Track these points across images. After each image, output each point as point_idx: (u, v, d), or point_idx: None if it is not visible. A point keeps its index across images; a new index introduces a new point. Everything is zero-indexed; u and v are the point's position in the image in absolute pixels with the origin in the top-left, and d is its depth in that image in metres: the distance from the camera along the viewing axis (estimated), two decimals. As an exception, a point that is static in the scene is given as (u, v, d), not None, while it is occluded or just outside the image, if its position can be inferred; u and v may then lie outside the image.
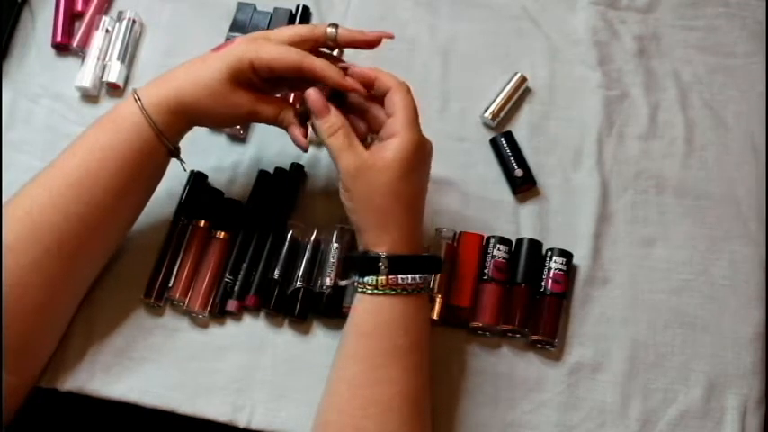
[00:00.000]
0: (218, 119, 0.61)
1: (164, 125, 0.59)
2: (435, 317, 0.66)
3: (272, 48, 0.58)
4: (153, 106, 0.59)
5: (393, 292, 0.57)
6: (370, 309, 0.58)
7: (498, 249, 0.67)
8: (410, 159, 0.57)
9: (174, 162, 0.64)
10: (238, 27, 0.76)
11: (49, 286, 0.58)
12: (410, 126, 0.57)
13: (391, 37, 0.61)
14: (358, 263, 0.58)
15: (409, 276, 0.57)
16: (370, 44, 0.61)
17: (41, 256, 0.57)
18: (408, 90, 0.59)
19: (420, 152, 0.58)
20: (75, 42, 0.76)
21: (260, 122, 0.62)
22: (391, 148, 0.57)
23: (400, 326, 0.57)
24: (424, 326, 0.59)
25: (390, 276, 0.57)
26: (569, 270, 0.68)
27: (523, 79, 0.76)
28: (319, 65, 0.58)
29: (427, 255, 0.60)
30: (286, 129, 0.62)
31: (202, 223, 0.68)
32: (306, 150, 0.61)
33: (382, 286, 0.57)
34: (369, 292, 0.57)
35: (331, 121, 0.58)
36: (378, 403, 0.56)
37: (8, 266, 0.56)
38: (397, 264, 0.57)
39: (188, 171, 0.69)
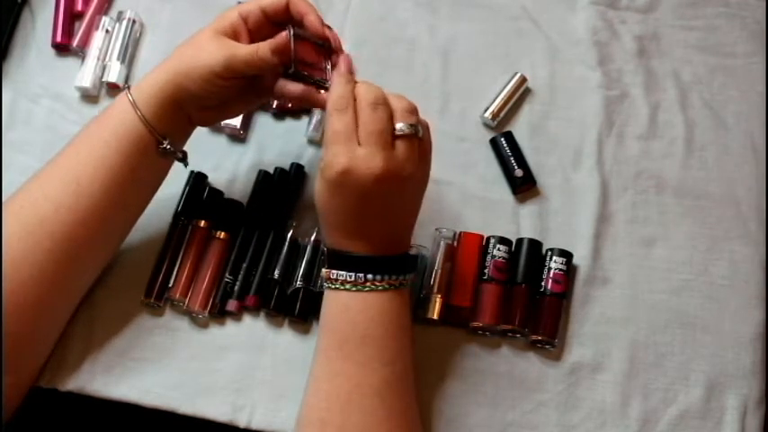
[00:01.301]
0: (202, 74, 0.58)
1: (153, 112, 0.59)
2: (435, 317, 0.66)
3: None
4: (143, 96, 0.59)
5: (333, 287, 0.58)
6: (325, 302, 0.60)
7: (498, 249, 0.67)
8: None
9: (175, 163, 0.64)
10: (238, 27, 0.76)
11: (42, 282, 0.58)
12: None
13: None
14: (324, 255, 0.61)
15: (344, 273, 0.57)
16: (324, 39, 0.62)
17: (34, 251, 0.57)
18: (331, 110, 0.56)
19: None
20: (75, 42, 0.76)
21: (245, 68, 0.59)
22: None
23: (349, 320, 0.58)
24: (387, 322, 0.58)
25: (330, 270, 0.58)
26: (569, 270, 0.68)
27: (523, 79, 0.76)
28: (304, 3, 0.60)
29: (376, 255, 0.58)
30: (264, 65, 0.59)
31: (202, 223, 0.68)
32: (275, 61, 0.59)
33: (325, 280, 0.59)
34: (325, 286, 0.60)
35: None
36: (337, 396, 0.57)
37: (3, 262, 0.56)
38: (337, 259, 0.58)
39: (188, 171, 0.69)
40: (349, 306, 0.58)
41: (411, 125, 0.56)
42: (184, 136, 0.64)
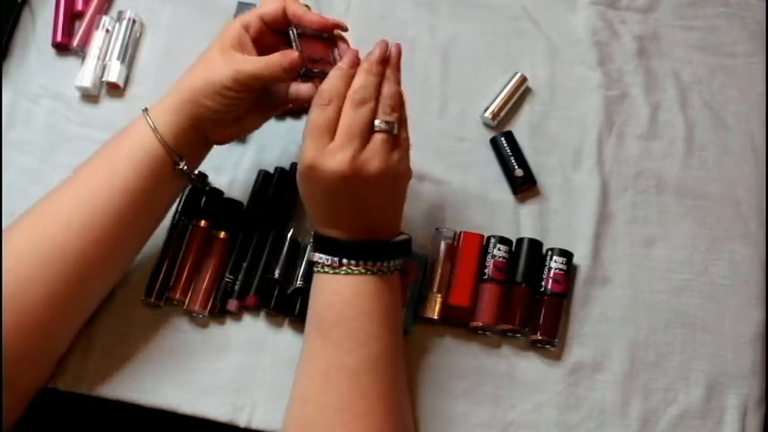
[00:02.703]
0: (215, 90, 0.59)
1: (172, 133, 0.59)
2: (435, 316, 0.66)
3: (257, 7, 0.62)
4: (161, 117, 0.60)
5: (315, 270, 0.60)
6: (311, 286, 0.62)
7: (498, 249, 0.67)
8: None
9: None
10: (238, 27, 0.76)
11: (52, 303, 0.57)
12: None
13: (345, 29, 0.63)
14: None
15: (323, 256, 0.59)
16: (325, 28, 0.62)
17: (45, 272, 0.56)
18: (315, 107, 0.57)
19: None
20: (75, 42, 0.76)
21: (254, 81, 0.59)
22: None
23: (326, 301, 0.59)
24: (363, 304, 0.59)
25: (314, 254, 0.60)
26: (569, 270, 0.68)
27: (523, 79, 0.76)
28: (298, 6, 0.61)
29: (351, 240, 0.59)
30: (274, 78, 0.60)
31: (202, 223, 0.68)
32: (299, 64, 0.60)
33: (309, 262, 0.63)
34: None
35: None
36: (316, 375, 0.58)
37: (10, 282, 0.55)
38: (317, 243, 0.60)
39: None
40: (327, 288, 0.59)
41: (387, 122, 0.57)
42: (200, 157, 0.64)
